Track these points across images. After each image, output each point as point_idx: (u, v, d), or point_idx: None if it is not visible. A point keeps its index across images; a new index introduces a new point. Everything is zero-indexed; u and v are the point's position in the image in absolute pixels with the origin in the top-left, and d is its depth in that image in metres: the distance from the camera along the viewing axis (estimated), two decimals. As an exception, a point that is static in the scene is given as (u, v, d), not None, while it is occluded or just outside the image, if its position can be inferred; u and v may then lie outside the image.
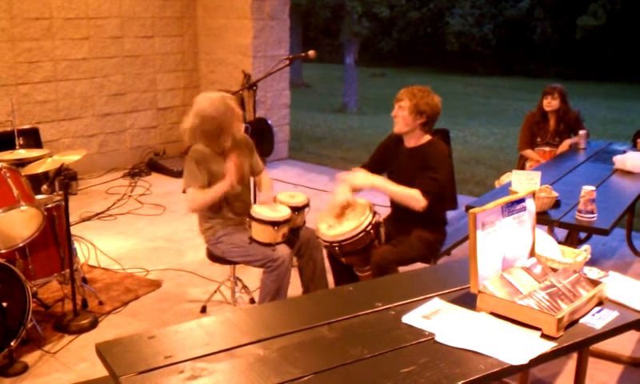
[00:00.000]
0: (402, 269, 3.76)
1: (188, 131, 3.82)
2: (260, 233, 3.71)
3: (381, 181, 3.72)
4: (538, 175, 3.91)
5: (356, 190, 3.88)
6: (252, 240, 3.73)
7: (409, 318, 2.29)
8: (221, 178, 3.77)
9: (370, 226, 3.67)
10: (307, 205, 4.00)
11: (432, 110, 3.66)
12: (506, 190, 4.04)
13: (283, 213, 3.76)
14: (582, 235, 5.35)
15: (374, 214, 3.74)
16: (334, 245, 3.68)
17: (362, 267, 3.82)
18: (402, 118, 3.70)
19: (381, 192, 3.75)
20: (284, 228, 3.74)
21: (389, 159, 3.89)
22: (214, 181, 3.77)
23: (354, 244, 3.66)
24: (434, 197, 3.61)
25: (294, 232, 3.90)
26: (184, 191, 3.82)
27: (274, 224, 3.67)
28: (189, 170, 3.77)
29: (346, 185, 3.82)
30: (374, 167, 3.93)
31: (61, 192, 3.93)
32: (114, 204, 6.46)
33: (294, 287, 3.94)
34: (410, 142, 3.77)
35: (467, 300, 2.40)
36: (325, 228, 3.74)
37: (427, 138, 3.76)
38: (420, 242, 3.76)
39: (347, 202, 3.80)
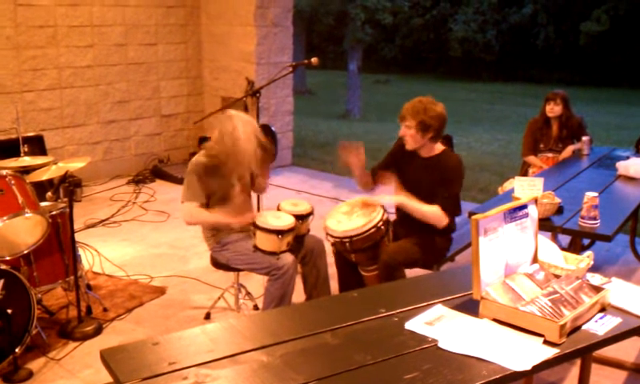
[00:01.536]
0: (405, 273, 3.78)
1: (218, 146, 3.74)
2: (264, 241, 3.71)
3: (404, 199, 3.73)
4: (540, 181, 3.91)
5: (367, 187, 4.01)
6: (256, 248, 3.74)
7: (412, 325, 2.30)
8: (220, 195, 3.79)
9: (381, 223, 3.71)
10: (311, 213, 4.01)
11: (438, 122, 3.67)
12: (508, 196, 4.04)
13: (287, 221, 3.76)
14: (586, 242, 5.35)
15: (385, 211, 3.77)
16: (345, 240, 3.70)
17: (368, 266, 3.84)
18: (410, 137, 3.72)
19: (405, 209, 3.76)
20: (288, 236, 3.74)
21: (401, 166, 3.91)
22: (214, 196, 3.78)
23: (364, 240, 3.69)
24: (452, 212, 3.69)
25: (298, 240, 3.91)
26: (182, 202, 3.83)
27: (279, 233, 3.68)
28: (189, 184, 3.78)
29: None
30: (384, 171, 3.97)
31: (65, 199, 3.95)
32: (118, 211, 6.48)
33: (297, 294, 3.94)
34: (424, 153, 3.80)
35: (470, 306, 2.40)
36: (334, 224, 3.77)
37: (440, 147, 3.79)
38: (429, 246, 3.79)
39: (359, 202, 3.88)
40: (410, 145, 3.76)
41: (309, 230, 4.02)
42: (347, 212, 3.87)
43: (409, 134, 3.71)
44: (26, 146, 4.64)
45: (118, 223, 6.15)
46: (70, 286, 4.04)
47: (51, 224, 3.78)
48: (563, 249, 2.95)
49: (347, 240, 3.70)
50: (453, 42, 26.15)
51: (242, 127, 3.70)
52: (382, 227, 3.73)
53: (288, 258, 3.70)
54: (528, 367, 2.03)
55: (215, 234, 3.89)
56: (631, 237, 5.39)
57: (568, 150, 5.57)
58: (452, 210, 3.69)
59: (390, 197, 3.81)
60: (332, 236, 3.77)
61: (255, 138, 3.73)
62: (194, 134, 8.48)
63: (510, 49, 25.91)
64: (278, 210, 3.97)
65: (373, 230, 3.68)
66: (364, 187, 4.00)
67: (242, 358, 2.08)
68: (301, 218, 3.91)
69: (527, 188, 3.88)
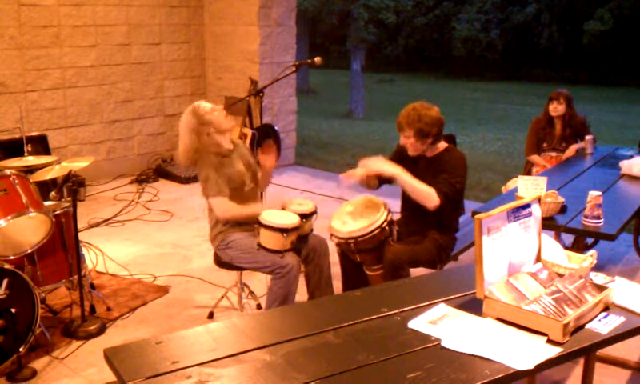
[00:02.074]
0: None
1: (186, 153, 3.90)
2: (268, 239, 3.72)
3: (399, 170, 3.69)
4: (544, 180, 3.91)
5: (371, 186, 3.92)
6: (260, 246, 3.75)
7: (415, 324, 2.30)
8: (237, 178, 3.85)
9: (386, 223, 3.71)
10: (315, 212, 4.01)
11: (436, 127, 3.69)
12: (512, 195, 4.04)
13: (292, 220, 3.77)
14: (590, 241, 5.34)
15: (389, 211, 3.77)
16: (350, 241, 3.70)
17: (373, 266, 3.84)
18: (411, 146, 3.75)
19: (398, 182, 3.72)
20: (292, 235, 3.74)
21: (406, 166, 3.90)
22: (231, 183, 3.82)
23: (369, 240, 3.69)
24: (449, 199, 3.64)
25: (302, 239, 3.91)
26: (206, 197, 3.85)
27: (283, 231, 3.68)
28: (209, 179, 3.80)
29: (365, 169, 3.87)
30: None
31: (69, 198, 3.96)
32: (121, 210, 6.49)
33: (300, 293, 3.95)
34: (428, 154, 3.82)
35: (473, 305, 2.40)
36: (339, 224, 3.77)
37: (443, 145, 3.81)
38: (433, 245, 3.79)
39: (363, 201, 3.85)
40: (412, 152, 3.80)
41: (312, 230, 4.03)
42: (352, 212, 3.87)
43: (409, 143, 3.74)
44: (29, 145, 4.65)
45: (122, 222, 6.16)
46: (73, 285, 4.05)
47: (55, 223, 3.79)
48: (566, 248, 2.95)
49: (352, 241, 3.70)
50: (456, 41, 26.13)
51: (198, 107, 3.89)
52: (387, 228, 3.73)
53: (292, 257, 3.70)
54: (531, 366, 2.03)
55: (222, 231, 3.89)
56: (635, 236, 5.38)
57: (571, 149, 5.56)
58: (447, 194, 3.61)
59: (387, 166, 3.73)
60: (337, 237, 3.78)
61: (208, 104, 3.94)
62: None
63: (514, 48, 25.88)
64: (283, 208, 3.98)
65: (377, 230, 3.68)
66: (369, 188, 4.01)
67: (245, 357, 2.08)
68: (305, 217, 3.91)
69: (531, 187, 3.88)
